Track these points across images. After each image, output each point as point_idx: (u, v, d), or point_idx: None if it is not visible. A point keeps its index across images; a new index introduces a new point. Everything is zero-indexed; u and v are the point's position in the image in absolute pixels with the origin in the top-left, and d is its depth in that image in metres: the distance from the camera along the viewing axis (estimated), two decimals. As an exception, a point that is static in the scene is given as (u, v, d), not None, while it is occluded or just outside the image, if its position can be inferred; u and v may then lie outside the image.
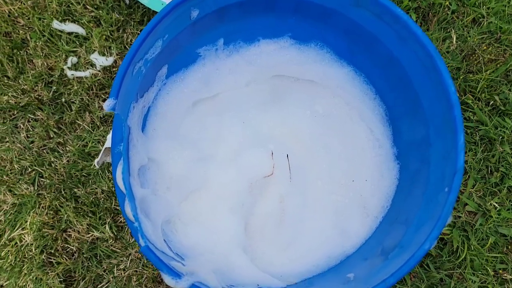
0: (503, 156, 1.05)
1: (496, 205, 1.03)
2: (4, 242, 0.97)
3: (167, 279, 0.50)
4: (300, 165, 0.77)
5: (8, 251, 0.97)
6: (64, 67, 1.06)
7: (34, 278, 0.95)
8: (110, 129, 0.98)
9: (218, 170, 0.73)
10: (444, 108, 0.58)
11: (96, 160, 0.63)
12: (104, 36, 1.08)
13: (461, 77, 1.08)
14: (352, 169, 0.77)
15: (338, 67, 0.78)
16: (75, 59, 1.06)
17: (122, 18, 1.09)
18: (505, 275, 1.00)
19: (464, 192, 1.04)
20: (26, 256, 0.96)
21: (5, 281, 0.96)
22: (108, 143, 0.62)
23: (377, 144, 0.76)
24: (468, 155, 1.05)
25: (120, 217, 0.99)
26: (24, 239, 0.97)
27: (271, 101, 0.81)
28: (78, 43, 1.08)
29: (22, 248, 0.96)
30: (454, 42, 1.11)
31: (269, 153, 0.76)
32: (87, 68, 1.06)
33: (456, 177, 0.53)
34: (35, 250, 0.96)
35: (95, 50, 1.08)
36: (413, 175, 0.68)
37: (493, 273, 0.99)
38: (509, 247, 1.02)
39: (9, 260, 0.96)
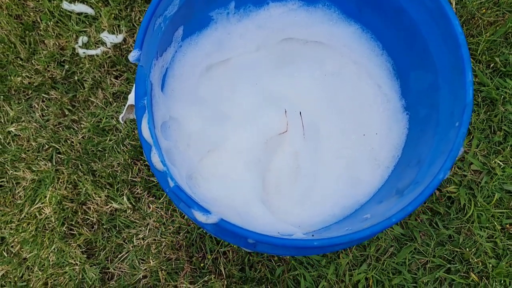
0: (505, 115, 1.08)
1: (501, 163, 1.06)
2: (25, 216, 1.00)
3: (198, 215, 0.53)
4: (312, 122, 0.80)
5: (29, 223, 1.00)
6: (76, 46, 1.08)
7: (56, 249, 0.98)
8: (122, 105, 1.01)
9: (234, 129, 0.76)
10: (452, 50, 0.60)
11: (120, 116, 0.65)
12: (113, 15, 1.10)
13: (461, 41, 1.11)
14: (362, 124, 0.79)
15: (345, 26, 0.81)
16: (85, 38, 1.09)
17: (130, -3, 1.11)
18: (512, 229, 1.03)
19: (469, 152, 1.07)
20: (47, 228, 0.99)
21: (28, 254, 0.99)
22: (130, 101, 0.64)
23: (385, 99, 0.79)
24: (472, 116, 1.08)
25: (137, 188, 1.02)
26: (44, 212, 1.00)
27: (281, 64, 0.83)
28: (87, 23, 1.11)
29: (41, 221, 0.99)
30: (454, 7, 1.14)
31: (282, 111, 0.79)
32: (98, 46, 1.09)
33: (466, 111, 0.56)
34: (55, 222, 0.99)
35: (104, 29, 1.10)
36: (422, 122, 0.71)
37: (500, 227, 1.03)
38: (515, 202, 1.05)
39: (31, 232, 0.99)
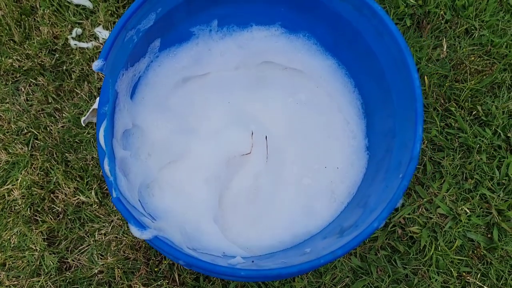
0: (479, 164, 1.09)
1: (468, 210, 1.07)
2: (-6, 196, 1.02)
3: (133, 229, 0.54)
4: (277, 148, 0.81)
5: (-4, 203, 1.02)
6: (69, 37, 1.10)
7: (19, 232, 1.00)
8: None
9: (199, 143, 0.78)
10: (409, 101, 0.62)
11: (82, 119, 0.67)
12: (110, 11, 1.12)
13: (447, 85, 1.12)
14: (325, 156, 0.81)
15: (322, 59, 0.83)
16: (79, 30, 1.11)
17: (129, -4, 1.13)
18: (468, 278, 1.04)
19: (438, 195, 1.08)
20: (13, 210, 1.01)
21: (-8, 233, 1.01)
22: (96, 105, 0.66)
23: (351, 135, 0.81)
24: (446, 160, 1.09)
25: (106, 185, 1.03)
26: (12, 194, 1.02)
27: (257, 85, 0.85)
28: (84, 16, 1.13)
29: (9, 202, 1.01)
30: (445, 50, 1.15)
31: (249, 133, 0.80)
32: (90, 40, 1.11)
33: (410, 164, 0.57)
34: (22, 205, 1.01)
35: (99, 24, 1.12)
36: (377, 164, 0.72)
37: (456, 274, 1.03)
38: (475, 251, 1.06)
39: (-4, 212, 1.01)
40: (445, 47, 1.15)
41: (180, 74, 0.80)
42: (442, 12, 1.17)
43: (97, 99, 0.67)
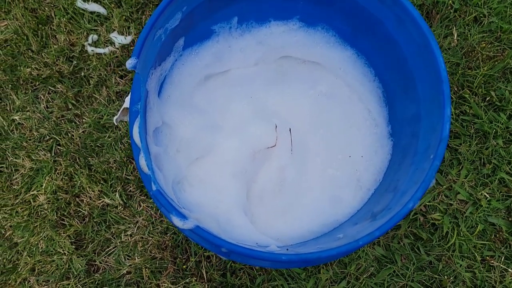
0: (496, 149, 1.10)
1: (487, 195, 1.08)
2: (20, 201, 1.04)
3: (175, 220, 0.56)
4: (301, 140, 0.83)
5: (23, 208, 1.03)
6: (85, 43, 1.12)
7: (46, 237, 1.02)
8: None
9: (224, 138, 0.79)
10: (434, 84, 0.63)
11: (115, 118, 0.69)
12: (124, 17, 1.14)
13: (459, 72, 1.13)
14: (349, 146, 0.82)
15: (341, 50, 0.84)
16: (95, 37, 1.13)
17: (142, 1, 1.15)
18: (492, 261, 1.04)
19: (457, 181, 1.09)
20: (39, 215, 1.03)
21: (19, 239, 1.02)
22: (126, 104, 0.68)
23: (373, 123, 0.82)
24: (462, 147, 1.10)
25: (130, 186, 1.05)
26: (38, 200, 1.03)
27: (277, 80, 0.86)
28: (99, 22, 1.15)
29: (35, 208, 1.03)
30: (455, 39, 1.16)
31: (273, 126, 0.82)
32: (106, 45, 1.13)
33: (441, 145, 0.58)
34: (48, 210, 1.03)
35: (114, 29, 1.14)
36: (403, 149, 0.73)
37: (480, 258, 1.04)
38: (497, 235, 1.07)
39: (23, 217, 1.02)
40: (455, 35, 1.16)
41: (203, 72, 0.81)
42: (450, 1, 1.18)
43: (127, 98, 0.69)
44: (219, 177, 0.77)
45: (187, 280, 1.00)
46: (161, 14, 0.61)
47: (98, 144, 1.07)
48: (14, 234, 1.03)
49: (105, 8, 1.15)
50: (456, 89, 1.15)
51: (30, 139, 1.08)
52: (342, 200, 0.78)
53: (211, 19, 0.79)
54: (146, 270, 1.00)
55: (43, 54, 1.12)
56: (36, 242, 1.02)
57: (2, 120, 1.09)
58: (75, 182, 1.05)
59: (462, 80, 1.14)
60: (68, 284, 1.00)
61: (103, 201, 1.04)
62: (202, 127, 0.78)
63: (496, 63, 1.13)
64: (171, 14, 0.65)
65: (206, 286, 1.00)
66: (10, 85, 1.11)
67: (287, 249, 0.67)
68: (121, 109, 0.68)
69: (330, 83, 0.85)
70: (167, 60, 0.75)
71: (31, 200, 1.04)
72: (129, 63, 0.59)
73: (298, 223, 0.78)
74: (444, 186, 1.09)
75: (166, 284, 1.00)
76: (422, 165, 0.61)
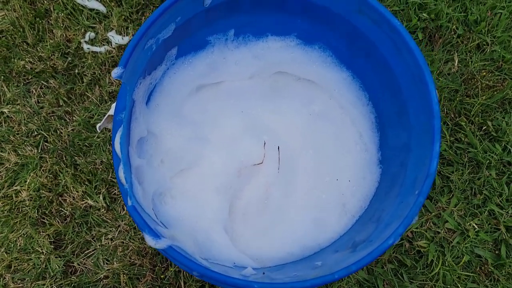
0: (488, 180, 1.09)
1: (476, 226, 1.06)
2: (2, 195, 1.02)
3: (148, 239, 0.54)
4: (289, 158, 0.81)
5: (4, 203, 1.02)
6: (82, 40, 1.11)
7: (25, 234, 1.00)
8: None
9: (211, 151, 0.78)
10: (426, 118, 0.62)
11: (98, 125, 0.67)
12: (123, 16, 1.13)
13: (457, 99, 1.12)
14: (337, 169, 0.81)
15: (337, 71, 0.83)
16: (92, 35, 1.11)
17: (143, 2, 1.14)
18: (475, 294, 1.03)
19: (446, 209, 1.08)
20: (20, 211, 1.01)
21: (-1, 234, 1.01)
22: (111, 111, 0.66)
23: (364, 148, 0.80)
24: (455, 175, 1.08)
25: (115, 189, 1.03)
26: (20, 195, 1.02)
27: (271, 95, 0.85)
28: (97, 20, 1.13)
29: (16, 203, 1.01)
30: (456, 65, 1.15)
31: (262, 143, 0.80)
32: (103, 44, 1.11)
33: (427, 181, 0.57)
34: (29, 207, 1.01)
35: (113, 29, 1.13)
36: (392, 178, 0.72)
37: (463, 290, 1.03)
38: (483, 268, 1.05)
39: (4, 212, 1.01)
40: (456, 61, 1.15)
41: (195, 82, 0.80)
42: (454, 26, 1.17)
43: (113, 105, 0.67)
44: (202, 190, 0.76)
45: (165, 290, 0.98)
46: (152, 25, 0.59)
47: (86, 143, 1.06)
48: (-7, 228, 1.01)
49: (105, 6, 1.13)
50: (452, 115, 1.14)
51: (17, 133, 1.07)
52: (325, 224, 0.77)
53: (207, 29, 0.77)
54: (124, 276, 0.99)
55: (38, 48, 1.11)
56: (14, 239, 1.00)
57: (-9, 111, 1.08)
58: (60, 181, 1.03)
59: (459, 107, 1.13)
60: (44, 285, 0.98)
61: (86, 202, 1.02)
62: (189, 139, 0.77)
63: (495, 92, 1.12)
64: (163, 24, 0.64)
65: (184, 296, 0.98)
66: (2, 77, 1.09)
67: (264, 273, 0.66)
68: (106, 116, 0.66)
69: (323, 103, 0.84)
70: (158, 69, 0.74)
71: (13, 195, 1.03)
72: (115, 73, 0.57)
73: (279, 243, 0.76)
74: (433, 213, 1.08)
75: (143, 292, 0.98)
76: (407, 199, 0.60)
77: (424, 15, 1.17)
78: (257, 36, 0.83)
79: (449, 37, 1.17)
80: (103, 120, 0.66)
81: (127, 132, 0.62)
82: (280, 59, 0.84)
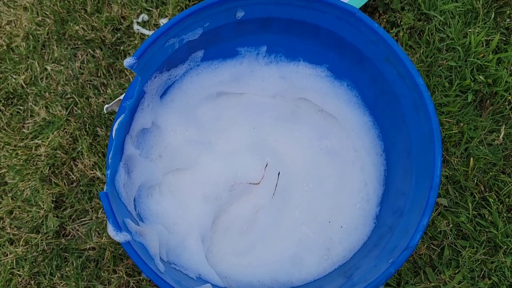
0: (501, 266, 1.00)
1: (475, 310, 0.99)
2: (23, 145, 1.08)
3: (109, 228, 0.55)
4: (287, 187, 0.79)
5: (23, 152, 1.07)
6: (134, 20, 1.15)
7: (33, 187, 1.05)
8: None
9: (210, 158, 0.77)
10: (424, 187, 0.58)
11: (106, 106, 0.69)
12: (179, 7, 1.15)
13: (492, 174, 1.04)
14: (333, 211, 0.78)
15: (359, 114, 0.79)
16: (146, 17, 1.15)
17: (200, -3, 1.16)
18: None
19: (447, 284, 1.01)
20: (34, 164, 1.06)
21: (10, 180, 1.06)
22: (122, 96, 0.68)
23: (366, 198, 0.77)
24: (467, 251, 1.01)
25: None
26: (39, 149, 1.07)
27: (288, 119, 0.83)
28: (155, 4, 1.17)
29: (33, 156, 1.06)
30: (501, 137, 1.07)
31: (263, 164, 0.79)
32: (154, 29, 1.14)
33: (403, 253, 0.53)
34: (44, 163, 1.06)
35: (167, 16, 1.16)
36: (378, 238, 0.68)
37: None
38: None
39: (20, 161, 1.06)
40: (502, 134, 1.07)
41: (216, 87, 0.80)
42: (510, 97, 1.09)
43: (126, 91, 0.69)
44: (191, 194, 0.76)
45: (141, 278, 0.99)
46: (174, 26, 0.60)
47: (111, 118, 1.09)
48: (7, 173, 1.07)
49: (166, -7, 1.16)
50: (482, 189, 1.06)
51: (53, 92, 1.12)
52: (303, 264, 0.74)
53: (238, 40, 0.77)
54: (108, 253, 1.01)
55: (94, 18, 1.16)
56: (23, 188, 1.06)
57: (37, 65, 1.14)
58: (77, 146, 1.07)
59: (492, 182, 1.05)
60: (36, 238, 1.03)
61: (94, 173, 1.05)
62: (192, 140, 0.77)
63: (534, 178, 1.03)
64: (189, 27, 0.64)
65: (158, 290, 0.99)
66: (55, 36, 1.15)
67: (221, 294, 0.64)
68: (116, 99, 0.68)
69: (338, 141, 0.81)
70: (179, 67, 0.74)
71: (33, 148, 1.08)
72: (127, 62, 0.58)
73: (251, 269, 0.74)
74: (432, 284, 1.01)
75: (121, 273, 1.00)
76: (381, 265, 0.56)
77: (481, 77, 1.11)
78: (290, 58, 0.82)
79: (501, 106, 1.09)
80: (112, 103, 0.68)
81: (129, 120, 0.63)
82: (307, 86, 0.82)
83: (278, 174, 0.79)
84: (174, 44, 0.66)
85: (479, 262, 1.02)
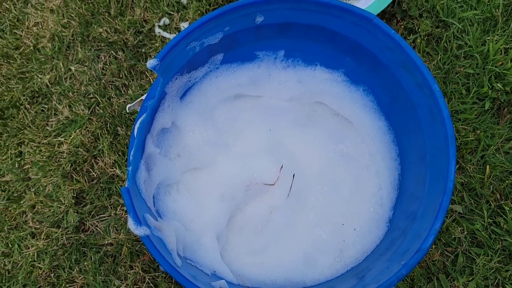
0: (516, 275, 1.00)
1: (488, 319, 0.98)
2: (47, 142, 1.11)
3: (130, 222, 0.57)
4: (301, 189, 0.80)
5: (46, 149, 1.11)
6: (156, 24, 1.18)
7: (55, 183, 1.08)
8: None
9: (226, 159, 0.79)
10: (438, 192, 0.59)
11: (128, 105, 0.71)
12: (199, 11, 1.18)
13: (509, 182, 1.04)
14: (347, 214, 0.79)
15: (375, 118, 0.81)
16: (167, 21, 1.18)
17: (221, 2, 1.18)
18: None
19: (461, 290, 1.00)
20: (57, 161, 1.10)
21: (34, 175, 1.10)
22: (144, 96, 0.70)
23: (379, 202, 0.78)
24: (481, 259, 1.01)
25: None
26: (62, 147, 1.10)
27: (304, 123, 0.85)
28: (176, 9, 1.20)
29: (56, 153, 1.10)
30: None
31: (279, 165, 0.80)
32: (175, 32, 1.17)
33: (416, 255, 0.54)
34: (66, 160, 1.09)
35: (187, 20, 1.19)
36: (391, 241, 0.69)
37: None
38: None
39: (43, 157, 1.10)
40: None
41: (234, 90, 0.82)
42: (528, 105, 1.09)
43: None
44: (208, 194, 0.78)
45: (157, 274, 1.01)
46: (196, 29, 0.62)
47: (131, 118, 1.12)
48: (31, 169, 1.11)
49: (187, -2, 1.19)
50: (498, 197, 1.06)
51: (76, 92, 1.16)
52: (316, 265, 0.75)
53: (257, 44, 0.79)
54: (125, 249, 1.03)
55: (117, 21, 1.19)
56: (45, 184, 1.09)
57: (61, 66, 1.18)
58: (98, 144, 1.11)
59: (508, 190, 1.05)
60: (56, 232, 1.06)
61: (114, 170, 1.08)
62: (210, 141, 0.79)
63: (552, 187, 1.02)
64: (210, 31, 0.67)
65: (172, 286, 1.01)
66: (80, 38, 1.19)
67: (235, 291, 0.66)
68: (138, 99, 0.70)
69: (354, 145, 0.82)
70: (199, 69, 0.77)
71: (56, 145, 1.11)
72: (150, 63, 0.61)
73: (265, 268, 0.76)
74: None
75: (137, 269, 1.02)
76: (393, 267, 0.57)
77: (499, 85, 1.10)
78: (307, 62, 0.83)
79: (519, 115, 1.09)
80: (134, 102, 0.70)
81: (150, 120, 0.65)
82: (324, 91, 0.83)
83: (293, 176, 0.80)
84: (195, 47, 0.68)
85: (493, 270, 1.01)
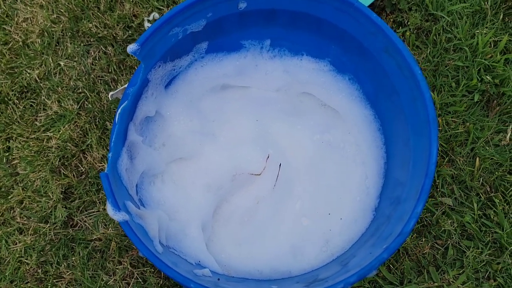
0: (507, 267, 0.99)
1: (479, 311, 0.97)
2: (35, 137, 1.11)
3: (108, 208, 0.56)
4: (288, 179, 0.80)
5: (35, 144, 1.10)
6: (145, 18, 1.18)
7: (43, 178, 1.08)
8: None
9: (213, 149, 0.79)
10: (420, 174, 0.58)
11: (111, 93, 0.71)
12: (189, 6, 1.18)
13: (498, 174, 1.03)
14: (333, 203, 0.78)
15: (361, 107, 0.80)
16: (157, 16, 1.17)
17: (210, -3, 1.18)
18: None
19: (451, 284, 1.00)
20: (45, 156, 1.09)
21: (22, 170, 1.09)
22: (127, 85, 0.70)
23: (366, 191, 0.77)
24: (471, 251, 1.00)
25: (131, 161, 1.08)
26: (50, 142, 1.10)
27: (291, 113, 0.84)
28: (166, 3, 1.20)
29: (44, 148, 1.09)
30: (508, 138, 1.06)
31: (265, 155, 0.80)
32: (163, 27, 1.17)
33: (397, 239, 0.53)
34: (54, 155, 1.08)
35: (176, 15, 1.18)
36: (376, 228, 0.68)
37: None
38: None
39: (31, 152, 1.09)
40: (509, 134, 1.06)
41: (221, 80, 0.82)
42: (518, 97, 1.09)
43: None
44: (193, 184, 0.77)
45: (145, 269, 1.00)
46: (177, 14, 0.62)
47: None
48: (19, 164, 1.10)
49: (176, -7, 1.19)
50: (488, 189, 1.05)
51: (65, 87, 1.15)
52: (303, 254, 0.74)
53: (242, 33, 0.79)
54: (114, 244, 1.03)
55: (106, 16, 1.19)
56: (33, 179, 1.08)
57: (51, 61, 1.17)
58: (87, 139, 1.10)
59: (497, 183, 1.04)
60: (44, 228, 1.05)
61: (103, 165, 1.08)
62: (196, 131, 0.78)
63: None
64: (192, 16, 0.66)
65: (161, 281, 1.00)
66: (69, 33, 1.19)
67: (219, 279, 0.65)
68: (121, 87, 0.70)
69: (340, 135, 0.82)
70: (184, 58, 0.76)
71: (45, 140, 1.11)
72: (130, 48, 0.60)
73: (251, 259, 0.75)
74: (436, 284, 1.00)
75: (126, 264, 1.01)
76: (375, 251, 0.57)
77: (488, 78, 1.10)
78: (293, 52, 0.83)
79: (509, 107, 1.09)
80: (117, 90, 0.70)
81: (132, 107, 0.65)
82: (310, 80, 0.83)
83: (280, 166, 0.80)
84: (177, 33, 0.68)
85: (484, 263, 1.01)
